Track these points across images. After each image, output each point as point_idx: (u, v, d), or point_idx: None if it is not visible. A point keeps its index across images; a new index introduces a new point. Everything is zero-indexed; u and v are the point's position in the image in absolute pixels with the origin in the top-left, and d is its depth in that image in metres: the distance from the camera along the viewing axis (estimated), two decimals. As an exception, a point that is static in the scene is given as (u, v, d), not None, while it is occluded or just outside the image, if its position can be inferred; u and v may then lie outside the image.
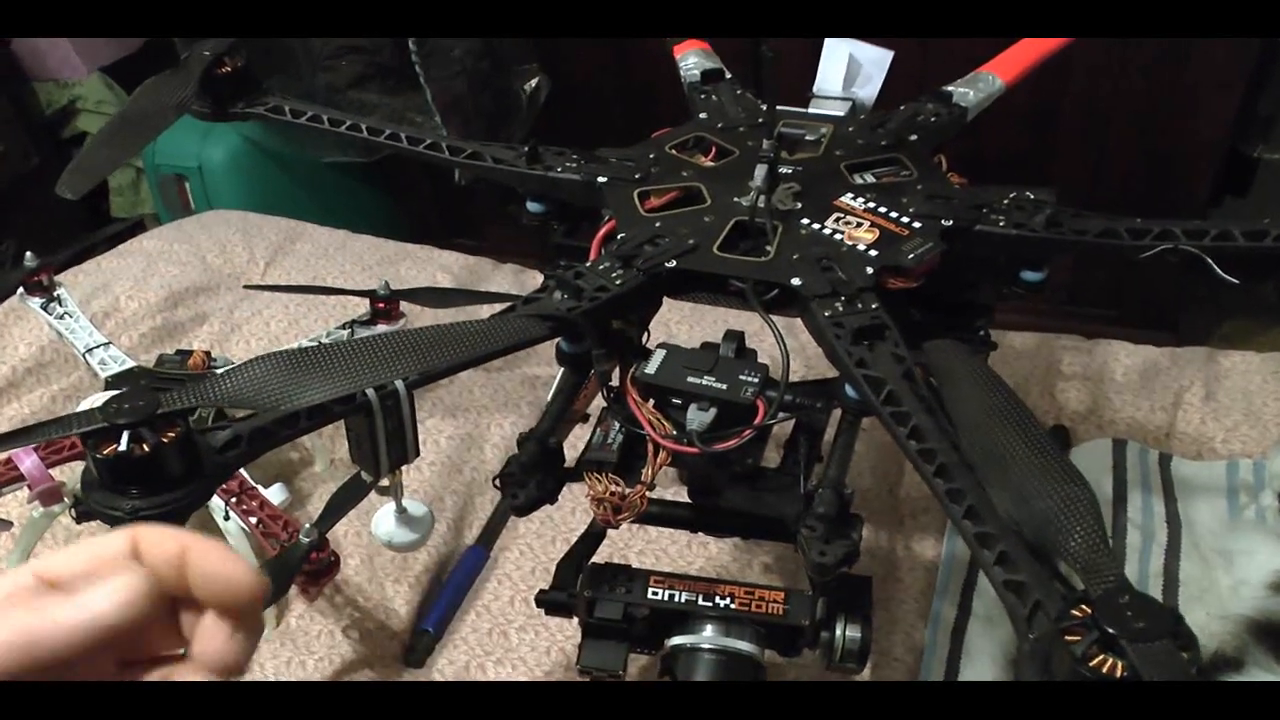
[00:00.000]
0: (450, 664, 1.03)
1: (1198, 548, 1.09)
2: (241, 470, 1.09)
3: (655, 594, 0.76)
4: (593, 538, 0.88)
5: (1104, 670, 0.44)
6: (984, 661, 0.98)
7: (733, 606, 0.76)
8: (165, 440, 0.56)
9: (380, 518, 0.82)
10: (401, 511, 0.81)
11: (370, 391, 0.67)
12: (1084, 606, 0.47)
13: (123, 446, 0.55)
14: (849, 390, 0.71)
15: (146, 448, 0.56)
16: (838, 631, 0.74)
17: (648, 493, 0.73)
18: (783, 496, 0.74)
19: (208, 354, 1.17)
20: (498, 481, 0.75)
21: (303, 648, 1.06)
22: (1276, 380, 1.22)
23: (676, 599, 0.76)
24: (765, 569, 1.09)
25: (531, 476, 0.74)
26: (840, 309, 0.70)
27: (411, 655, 1.05)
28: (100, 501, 0.56)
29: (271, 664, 1.04)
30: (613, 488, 0.72)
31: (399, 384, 0.68)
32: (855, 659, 0.75)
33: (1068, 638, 0.45)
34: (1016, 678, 0.48)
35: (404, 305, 1.23)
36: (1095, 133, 1.77)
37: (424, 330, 0.69)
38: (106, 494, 0.57)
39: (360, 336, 0.73)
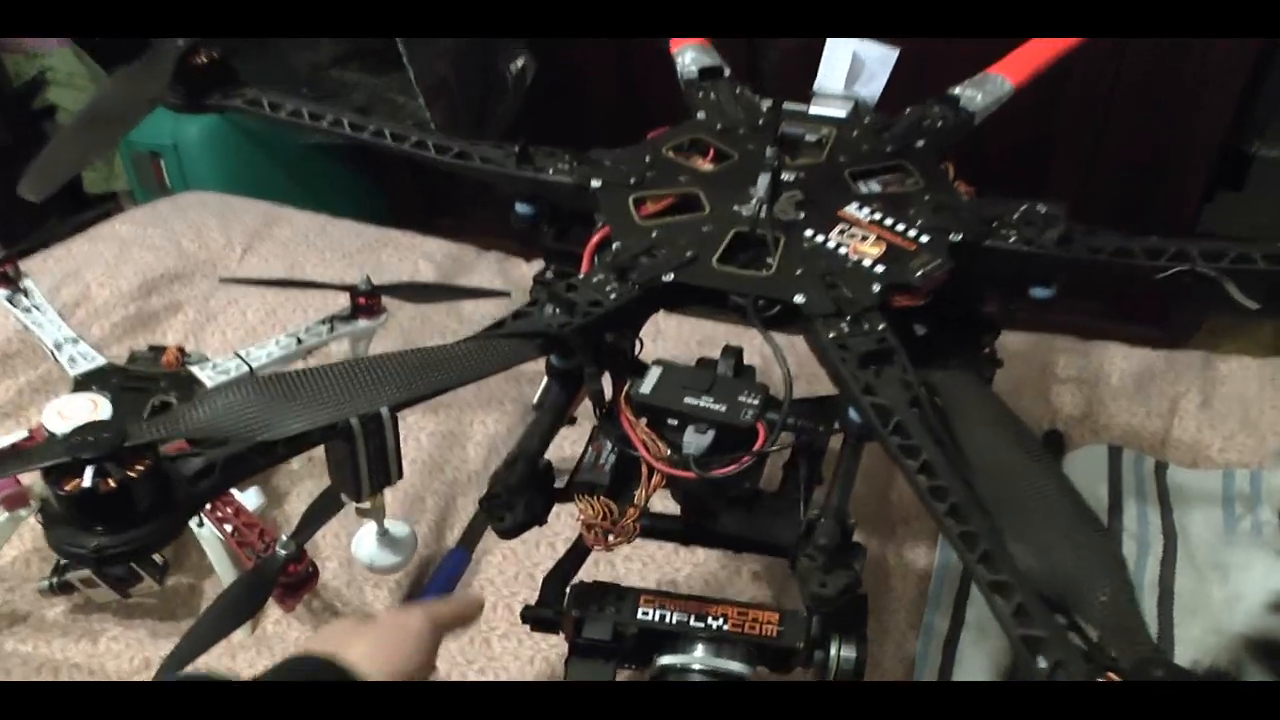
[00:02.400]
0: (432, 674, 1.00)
1: (1193, 560, 1.07)
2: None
3: (645, 614, 0.73)
4: (580, 552, 0.85)
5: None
6: (975, 674, 0.96)
7: (725, 628, 0.73)
8: (133, 474, 0.53)
9: (361, 539, 0.79)
10: (383, 533, 0.78)
11: (354, 420, 0.64)
12: (1112, 675, 0.44)
13: (87, 482, 0.52)
14: (852, 413, 0.69)
15: (113, 483, 0.52)
16: (832, 651, 0.72)
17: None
18: (780, 521, 0.71)
19: (181, 350, 1.13)
20: (484, 503, 0.72)
21: (279, 655, 1.02)
22: (1274, 388, 1.20)
23: (667, 619, 0.73)
24: (754, 577, 1.07)
25: (519, 499, 0.71)
26: (846, 330, 0.67)
27: (392, 664, 1.02)
28: (63, 539, 0.53)
29: (248, 673, 1.01)
30: (605, 512, 0.69)
31: (384, 411, 0.65)
32: (850, 678, 0.73)
33: (1095, 715, 0.43)
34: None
35: (385, 299, 1.20)
36: (1094, 128, 1.75)
37: (410, 354, 0.65)
38: (70, 530, 0.53)
39: (344, 361, 0.70)
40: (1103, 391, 1.25)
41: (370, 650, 0.66)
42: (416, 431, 1.25)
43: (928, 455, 0.59)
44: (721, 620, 0.72)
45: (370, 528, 0.78)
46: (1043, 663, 0.47)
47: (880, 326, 0.68)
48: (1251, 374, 1.23)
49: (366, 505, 0.71)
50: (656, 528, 0.80)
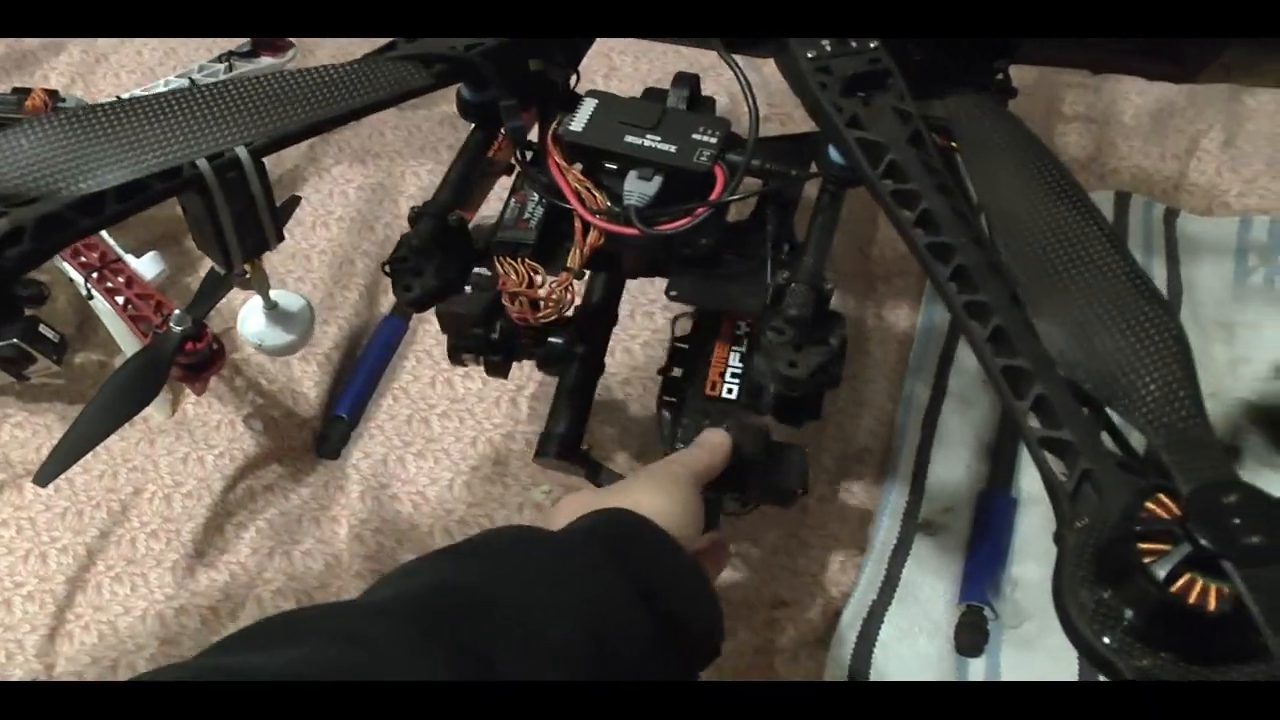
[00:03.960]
0: (366, 457, 0.91)
1: (1195, 317, 0.98)
2: (105, 236, 0.92)
3: None
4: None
5: (1191, 600, 0.32)
6: (957, 449, 0.88)
7: None
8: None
9: (246, 316, 0.67)
10: (272, 307, 0.65)
11: (201, 162, 0.50)
12: (1166, 500, 0.33)
13: None
14: (833, 153, 0.56)
15: None
16: None
17: (574, 281, 0.58)
18: (743, 287, 0.59)
19: (52, 93, 0.96)
20: (386, 268, 0.59)
21: (201, 440, 0.93)
22: (1307, 124, 1.07)
23: None
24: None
25: (429, 262, 0.58)
26: (828, 49, 0.53)
27: (324, 445, 0.93)
28: None
29: (166, 460, 0.92)
30: (528, 276, 0.57)
31: (241, 151, 0.51)
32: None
33: (1143, 548, 0.33)
34: (1054, 570, 0.36)
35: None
36: None
37: (269, 78, 0.51)
38: None
39: (181, 87, 0.55)
40: (1113, 131, 1.11)
41: (664, 505, 0.50)
42: (343, 185, 1.11)
43: (928, 204, 0.46)
44: None
45: (256, 302, 0.65)
46: (1064, 474, 0.36)
47: (872, 45, 0.54)
48: (1283, 108, 1.09)
49: (245, 274, 0.59)
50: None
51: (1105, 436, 0.40)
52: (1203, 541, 0.32)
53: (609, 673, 0.40)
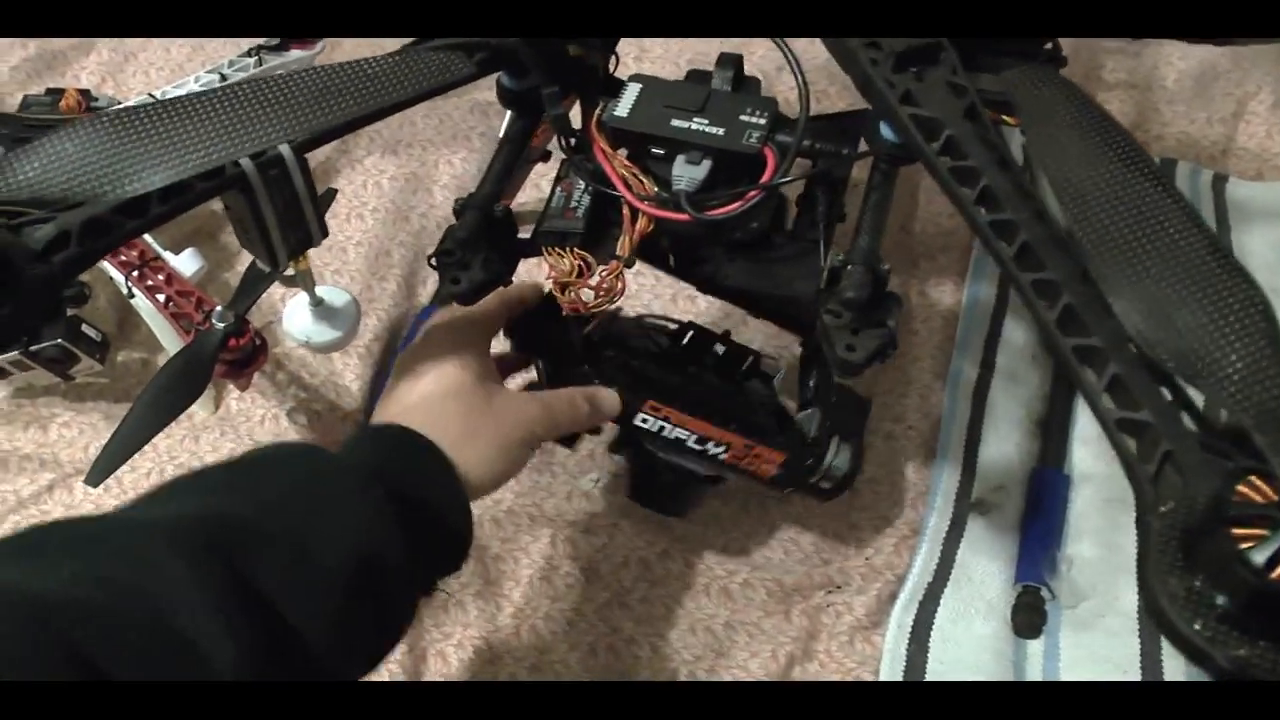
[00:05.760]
0: (409, 447, 0.91)
1: (1249, 284, 0.95)
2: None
3: (644, 421, 0.63)
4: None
5: (1292, 589, 0.30)
6: (1007, 427, 0.87)
7: (723, 458, 0.65)
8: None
9: (292, 313, 0.67)
10: (318, 303, 0.65)
11: (246, 161, 0.50)
12: (1259, 482, 0.32)
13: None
14: (885, 130, 0.54)
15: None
16: (826, 459, 0.68)
17: (625, 270, 0.57)
18: (797, 269, 0.58)
19: (85, 94, 0.96)
20: (433, 261, 0.59)
21: (245, 436, 0.93)
22: (1361, 82, 1.04)
23: (665, 433, 0.63)
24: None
25: (476, 254, 0.58)
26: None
27: (366, 437, 0.92)
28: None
29: (211, 456, 0.92)
30: (580, 266, 0.56)
31: (284, 149, 0.51)
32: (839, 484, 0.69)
33: (1238, 533, 0.31)
34: (1138, 544, 0.35)
35: (321, 23, 1.01)
36: None
37: (309, 74, 0.50)
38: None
39: (219, 86, 0.54)
40: (1156, 96, 1.08)
41: (473, 440, 0.55)
42: (376, 176, 1.11)
43: (988, 180, 0.45)
44: (722, 450, 0.63)
45: (301, 299, 0.65)
46: (1146, 458, 0.35)
47: (922, 15, 0.53)
48: (1334, 66, 1.06)
49: (290, 272, 0.58)
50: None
51: (1186, 417, 0.38)
52: (1308, 527, 0.31)
53: (370, 592, 0.46)
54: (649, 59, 1.14)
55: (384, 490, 0.49)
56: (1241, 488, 0.33)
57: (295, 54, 1.00)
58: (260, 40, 1.02)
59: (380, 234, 1.06)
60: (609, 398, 0.62)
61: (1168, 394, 0.39)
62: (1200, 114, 1.06)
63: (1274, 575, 0.32)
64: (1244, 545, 0.32)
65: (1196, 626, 0.35)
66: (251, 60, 1.00)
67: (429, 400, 0.56)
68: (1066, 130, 0.46)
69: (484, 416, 0.55)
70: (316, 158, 1.12)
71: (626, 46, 1.16)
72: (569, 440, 0.69)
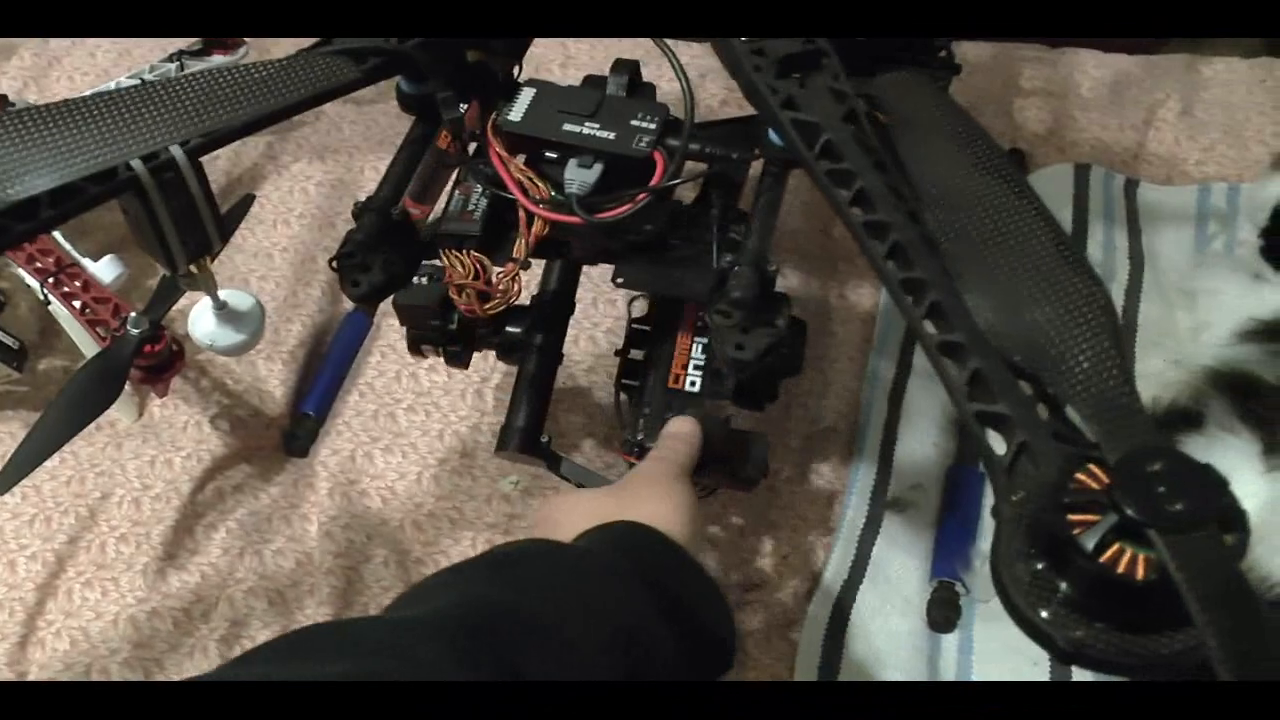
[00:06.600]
0: (334, 453, 0.91)
1: (1159, 285, 0.98)
2: (58, 238, 0.91)
3: None
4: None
5: (1120, 570, 0.32)
6: (925, 426, 0.88)
7: None
8: None
9: (197, 317, 0.67)
10: (221, 307, 0.65)
11: (137, 163, 0.50)
12: (1096, 470, 0.33)
13: None
14: (772, 135, 0.55)
15: None
16: None
17: (521, 272, 0.58)
18: (691, 271, 0.59)
19: (2, 99, 0.95)
20: (334, 264, 0.59)
21: (168, 443, 0.93)
22: (1264, 91, 1.07)
23: None
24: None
25: (375, 257, 0.58)
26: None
27: (292, 443, 0.92)
28: None
29: (133, 464, 0.91)
30: (476, 269, 0.57)
31: (176, 150, 0.51)
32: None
33: (1073, 518, 0.33)
34: (995, 530, 0.36)
35: (244, 28, 1.01)
36: None
37: (197, 77, 0.51)
38: None
39: (106, 89, 0.54)
40: (1071, 104, 1.11)
41: (669, 513, 0.53)
42: (303, 182, 1.10)
43: (864, 183, 0.46)
44: None
45: (206, 303, 0.65)
46: (1002, 446, 0.36)
47: (808, 22, 0.54)
48: (1239, 77, 1.09)
49: (193, 273, 0.58)
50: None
51: (1043, 408, 0.40)
52: (1127, 510, 0.32)
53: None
54: (574, 65, 1.15)
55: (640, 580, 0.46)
56: (1081, 475, 0.35)
57: (218, 59, 1.00)
58: (183, 45, 1.01)
59: (307, 240, 1.06)
60: (686, 422, 0.61)
61: (1028, 388, 0.40)
62: (1113, 121, 1.08)
63: (1103, 558, 0.33)
64: (1077, 530, 0.34)
65: (1042, 612, 0.36)
66: (173, 65, 0.99)
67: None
68: (930, 134, 0.47)
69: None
70: (242, 163, 1.11)
71: (551, 52, 1.17)
72: None
